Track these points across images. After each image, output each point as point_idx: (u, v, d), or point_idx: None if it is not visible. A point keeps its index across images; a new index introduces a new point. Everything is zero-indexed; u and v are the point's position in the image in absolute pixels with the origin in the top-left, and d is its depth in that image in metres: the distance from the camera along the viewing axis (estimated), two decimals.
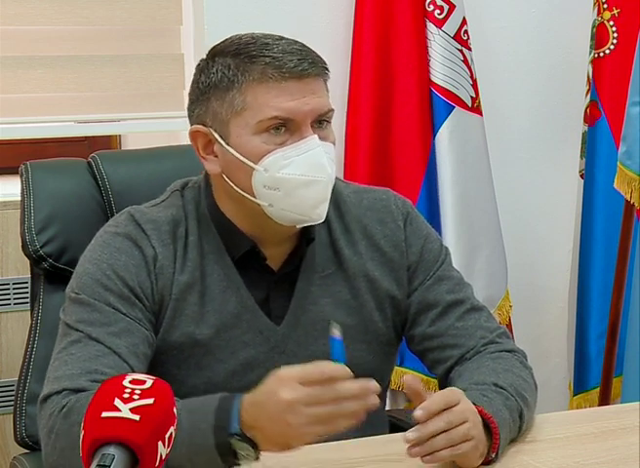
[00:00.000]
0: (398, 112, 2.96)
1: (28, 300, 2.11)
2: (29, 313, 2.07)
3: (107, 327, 1.67)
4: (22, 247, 2.02)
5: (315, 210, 1.71)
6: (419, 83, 2.96)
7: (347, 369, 1.46)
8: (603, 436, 1.73)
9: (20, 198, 2.04)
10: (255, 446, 1.50)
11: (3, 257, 2.76)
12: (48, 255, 2.00)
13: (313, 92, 1.69)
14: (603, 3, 3.06)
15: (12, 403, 2.02)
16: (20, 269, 2.72)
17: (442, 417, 1.52)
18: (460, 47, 2.97)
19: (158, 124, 3.01)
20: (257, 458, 1.51)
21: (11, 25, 2.80)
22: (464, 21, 2.98)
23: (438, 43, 2.95)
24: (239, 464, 1.51)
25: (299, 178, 1.68)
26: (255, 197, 1.70)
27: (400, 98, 2.96)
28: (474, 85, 3.00)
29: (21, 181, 2.05)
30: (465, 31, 2.98)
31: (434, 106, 2.98)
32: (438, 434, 1.52)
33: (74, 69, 2.86)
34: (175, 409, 1.14)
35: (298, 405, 1.44)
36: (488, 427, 1.60)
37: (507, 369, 1.75)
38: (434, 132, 2.99)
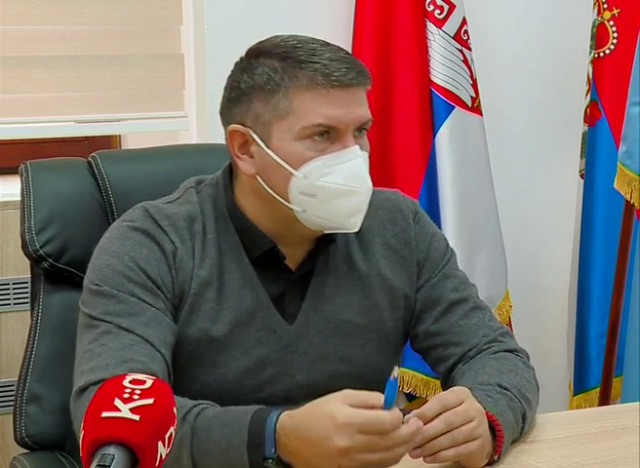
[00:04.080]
0: (398, 112, 2.96)
1: (28, 300, 2.11)
2: (29, 313, 2.06)
3: (136, 317, 1.66)
4: (22, 247, 2.02)
5: (350, 219, 1.71)
6: (419, 83, 2.96)
7: (400, 413, 1.45)
8: (603, 436, 1.73)
9: (20, 198, 2.04)
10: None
11: (3, 257, 2.75)
12: (48, 255, 2.00)
13: (357, 101, 1.69)
14: (603, 3, 3.06)
15: (12, 403, 2.02)
16: (19, 269, 2.71)
17: (442, 419, 1.52)
18: (460, 47, 2.97)
19: (158, 124, 3.01)
20: None
21: (11, 25, 2.80)
22: (464, 21, 2.98)
23: (438, 43, 2.95)
24: None
25: (338, 188, 1.67)
26: (289, 202, 1.70)
27: (400, 98, 2.96)
28: (474, 85, 3.00)
29: (21, 181, 2.05)
30: (465, 31, 2.98)
31: (434, 106, 2.98)
32: (440, 435, 1.52)
33: (74, 69, 2.86)
34: (174, 410, 1.14)
35: (353, 452, 1.44)
36: (492, 429, 1.60)
37: (511, 369, 1.75)
38: (434, 132, 2.99)
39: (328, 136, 1.68)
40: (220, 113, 1.78)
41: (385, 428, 1.43)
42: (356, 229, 1.73)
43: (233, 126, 1.73)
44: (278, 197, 1.70)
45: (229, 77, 1.76)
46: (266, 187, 1.71)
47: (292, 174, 1.67)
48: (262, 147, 1.69)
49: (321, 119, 1.66)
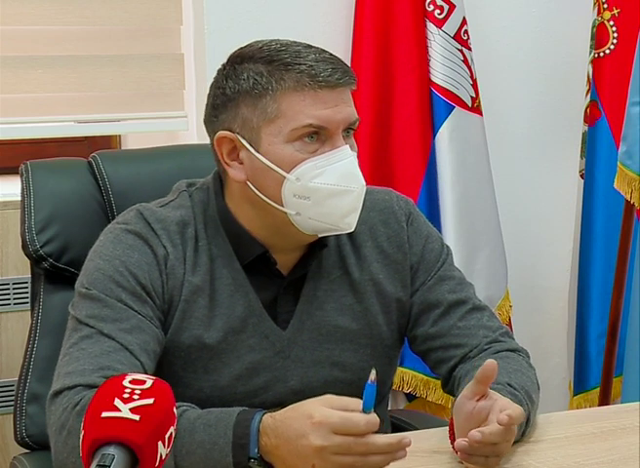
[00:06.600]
0: (398, 112, 2.96)
1: (28, 300, 2.11)
2: (29, 313, 2.06)
3: (119, 323, 1.66)
4: (22, 247, 2.02)
5: (345, 219, 1.70)
6: (419, 83, 2.96)
7: (377, 418, 1.45)
8: (603, 436, 1.73)
9: (20, 198, 2.04)
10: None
11: (3, 257, 2.75)
12: (48, 255, 2.00)
13: (344, 101, 1.71)
14: (603, 3, 3.06)
15: (12, 403, 2.02)
16: (20, 269, 2.71)
17: (503, 435, 1.54)
18: (460, 47, 2.97)
19: (158, 124, 3.01)
20: None
21: (11, 25, 2.80)
22: (464, 21, 2.98)
23: (438, 43, 2.95)
24: None
25: (331, 188, 1.68)
26: (282, 205, 1.69)
27: (400, 98, 2.96)
28: (474, 85, 3.00)
29: (21, 181, 2.05)
30: (465, 31, 2.98)
31: (434, 106, 2.98)
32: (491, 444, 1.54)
33: (74, 69, 2.86)
34: (175, 410, 1.14)
35: (326, 452, 1.44)
36: None
37: (517, 369, 1.76)
38: (434, 132, 2.99)
39: (318, 136, 1.68)
40: (205, 122, 1.78)
41: (359, 429, 1.43)
42: (351, 229, 1.73)
43: (221, 132, 1.72)
44: (271, 202, 1.70)
45: (212, 85, 1.76)
46: (258, 193, 1.71)
47: (284, 177, 1.67)
48: (252, 152, 1.69)
49: (310, 119, 1.66)
